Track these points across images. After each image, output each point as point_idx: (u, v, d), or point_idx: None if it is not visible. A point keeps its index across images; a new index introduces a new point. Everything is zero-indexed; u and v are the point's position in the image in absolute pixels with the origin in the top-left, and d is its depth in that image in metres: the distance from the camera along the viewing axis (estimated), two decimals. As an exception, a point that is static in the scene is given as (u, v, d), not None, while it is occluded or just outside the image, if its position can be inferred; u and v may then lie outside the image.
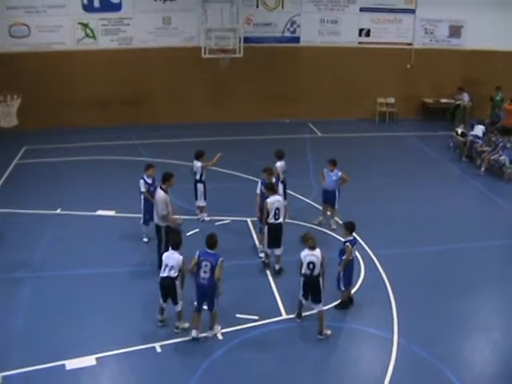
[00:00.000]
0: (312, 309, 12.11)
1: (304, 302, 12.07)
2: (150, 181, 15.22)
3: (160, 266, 11.91)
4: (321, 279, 11.79)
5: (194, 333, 11.59)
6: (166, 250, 12.23)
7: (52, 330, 11.73)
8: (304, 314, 12.29)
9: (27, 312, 12.38)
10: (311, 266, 11.69)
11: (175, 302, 11.62)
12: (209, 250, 11.42)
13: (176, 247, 11.67)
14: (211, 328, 11.76)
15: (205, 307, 11.62)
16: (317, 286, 11.79)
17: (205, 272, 11.30)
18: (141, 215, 15.45)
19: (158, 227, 13.90)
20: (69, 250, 14.97)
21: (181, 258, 11.55)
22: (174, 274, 11.43)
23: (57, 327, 11.83)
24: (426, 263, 14.78)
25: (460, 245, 15.68)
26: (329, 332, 11.88)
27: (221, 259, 11.32)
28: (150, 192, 15.08)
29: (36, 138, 23.23)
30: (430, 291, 13.53)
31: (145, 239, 15.51)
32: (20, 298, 12.88)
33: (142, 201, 15.26)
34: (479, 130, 23.32)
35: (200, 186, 16.46)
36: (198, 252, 11.52)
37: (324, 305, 12.09)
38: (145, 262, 14.31)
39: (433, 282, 13.91)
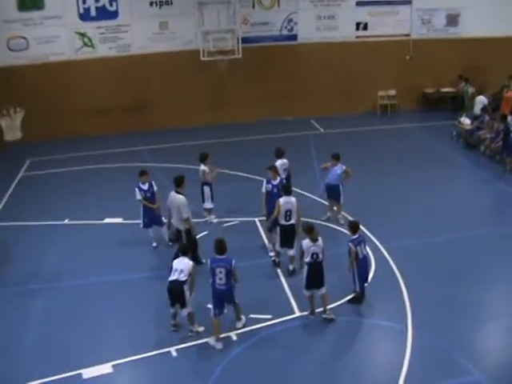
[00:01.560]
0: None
1: (309, 293, 12.13)
2: (145, 187, 15.33)
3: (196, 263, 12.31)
4: (323, 264, 12.00)
5: (219, 345, 11.45)
6: (195, 250, 12.99)
7: (67, 340, 11.77)
8: (317, 310, 12.30)
9: (42, 323, 12.43)
10: (315, 256, 11.88)
11: (183, 306, 11.61)
12: (219, 256, 11.44)
13: (185, 253, 11.77)
14: (239, 319, 11.93)
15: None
16: (321, 271, 11.99)
17: (220, 279, 11.34)
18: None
19: (178, 231, 13.87)
20: (79, 260, 15.02)
21: (191, 263, 11.62)
22: (183, 277, 11.46)
23: (72, 336, 11.87)
24: (436, 253, 14.73)
25: (469, 233, 15.63)
26: (332, 316, 12.11)
27: (234, 261, 11.37)
28: (148, 198, 15.21)
29: (39, 150, 23.34)
30: (441, 281, 13.50)
31: (154, 244, 15.54)
32: (34, 308, 12.94)
33: (142, 205, 15.36)
34: (479, 102, 23.78)
35: (206, 189, 16.46)
36: (209, 260, 11.57)
37: (336, 299, 12.31)
38: (156, 267, 14.33)
39: (444, 272, 13.87)
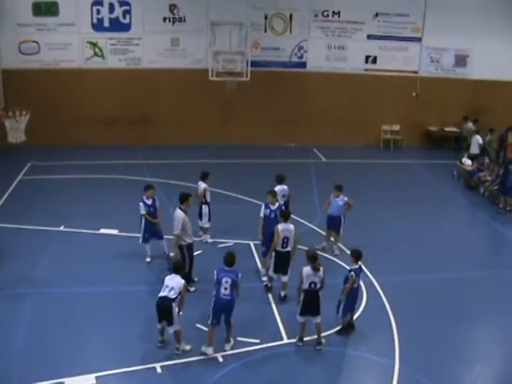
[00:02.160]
0: (312, 333, 12.19)
1: (303, 319, 12.06)
2: (149, 202, 15.27)
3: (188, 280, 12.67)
4: (320, 293, 11.94)
5: (209, 350, 11.59)
6: (190, 266, 13.27)
7: (52, 348, 11.67)
8: (305, 338, 12.25)
9: (28, 328, 12.30)
10: (312, 285, 11.84)
11: (170, 324, 11.54)
12: (227, 268, 11.58)
13: (177, 272, 11.75)
14: (228, 341, 11.86)
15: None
16: (317, 300, 11.93)
17: (225, 288, 11.44)
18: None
19: (179, 246, 13.83)
20: (71, 268, 14.93)
21: (182, 281, 11.60)
22: (172, 295, 11.42)
23: (57, 345, 11.77)
24: (429, 290, 14.70)
25: (463, 273, 15.61)
26: (323, 340, 12.12)
27: (240, 274, 11.56)
28: (151, 213, 15.17)
29: (41, 155, 23.37)
30: (432, 319, 13.44)
31: (147, 259, 15.48)
32: (21, 314, 12.81)
33: (143, 220, 15.28)
34: (475, 141, 24.18)
35: (205, 208, 16.42)
36: (215, 271, 11.63)
37: (325, 329, 12.20)
38: (148, 282, 14.22)
39: (435, 310, 13.82)
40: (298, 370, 11.60)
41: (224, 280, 11.44)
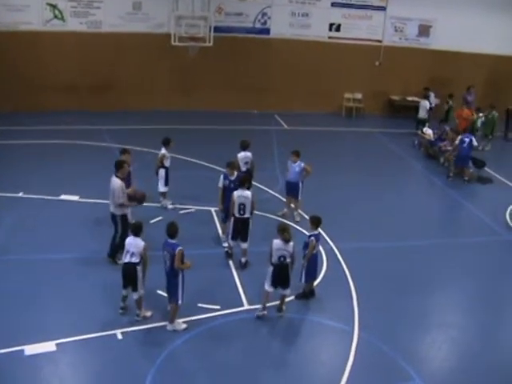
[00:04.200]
0: (274, 300, 12.33)
1: (271, 289, 12.07)
2: None
3: (110, 255, 13.10)
4: (289, 268, 11.98)
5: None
6: (123, 238, 12.47)
7: (11, 315, 11.57)
8: (267, 304, 12.31)
9: (-14, 296, 12.21)
10: (282, 258, 11.84)
11: (135, 289, 11.54)
12: (169, 240, 11.27)
13: (137, 234, 11.61)
14: (170, 321, 11.61)
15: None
16: (286, 274, 11.97)
17: (165, 262, 11.26)
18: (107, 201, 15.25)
19: (113, 216, 13.52)
20: (30, 235, 14.77)
21: (142, 243, 11.48)
22: (135, 259, 11.40)
23: (16, 312, 11.68)
24: (388, 258, 14.95)
25: (421, 241, 15.90)
26: (284, 307, 12.30)
27: (178, 248, 11.05)
28: (125, 178, 14.75)
29: (0, 120, 22.79)
30: (391, 286, 13.70)
31: None
32: (-21, 280, 12.70)
33: None
34: (423, 106, 25.04)
35: (161, 171, 16.20)
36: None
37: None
38: (108, 249, 14.16)
39: (394, 277, 14.08)
40: (259, 336, 11.74)
41: (164, 253, 11.21)
